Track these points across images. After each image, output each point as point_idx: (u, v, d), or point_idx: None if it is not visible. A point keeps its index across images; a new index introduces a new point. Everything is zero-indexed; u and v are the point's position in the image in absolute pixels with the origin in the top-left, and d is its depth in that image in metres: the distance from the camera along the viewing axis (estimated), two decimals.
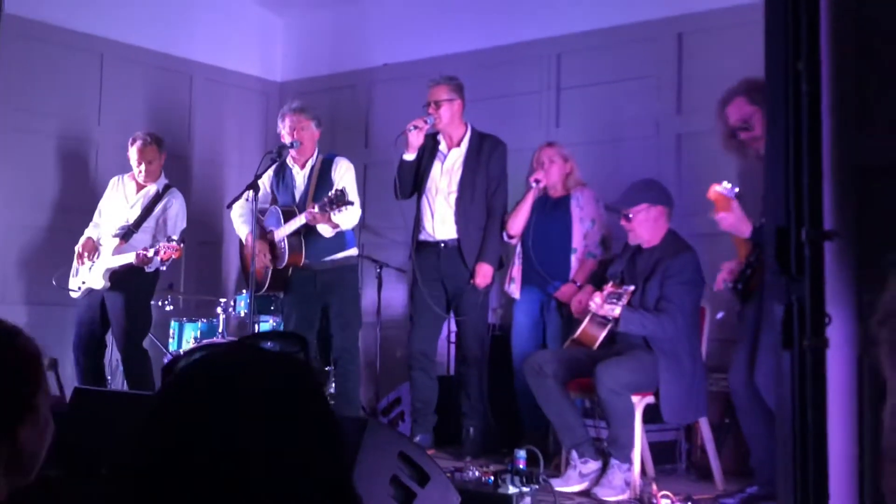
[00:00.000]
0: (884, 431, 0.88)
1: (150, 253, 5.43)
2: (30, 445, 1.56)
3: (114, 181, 6.01)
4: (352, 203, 5.17)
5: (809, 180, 2.94)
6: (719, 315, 4.78)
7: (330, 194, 5.15)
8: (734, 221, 4.20)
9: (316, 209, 5.16)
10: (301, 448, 1.10)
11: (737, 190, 4.23)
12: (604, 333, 4.59)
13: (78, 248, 5.79)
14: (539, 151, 5.48)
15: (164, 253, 5.38)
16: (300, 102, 5.68)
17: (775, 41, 3.09)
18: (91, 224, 5.93)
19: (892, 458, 0.87)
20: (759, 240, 4.23)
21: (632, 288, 4.49)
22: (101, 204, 5.98)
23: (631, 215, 4.68)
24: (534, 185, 5.32)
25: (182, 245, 5.44)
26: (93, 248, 5.77)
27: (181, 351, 6.02)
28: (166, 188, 5.90)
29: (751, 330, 4.24)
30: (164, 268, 5.64)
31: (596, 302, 4.51)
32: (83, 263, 5.76)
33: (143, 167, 5.80)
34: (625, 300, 4.44)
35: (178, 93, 7.35)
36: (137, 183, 5.89)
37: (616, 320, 4.48)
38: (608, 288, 4.60)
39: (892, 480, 0.87)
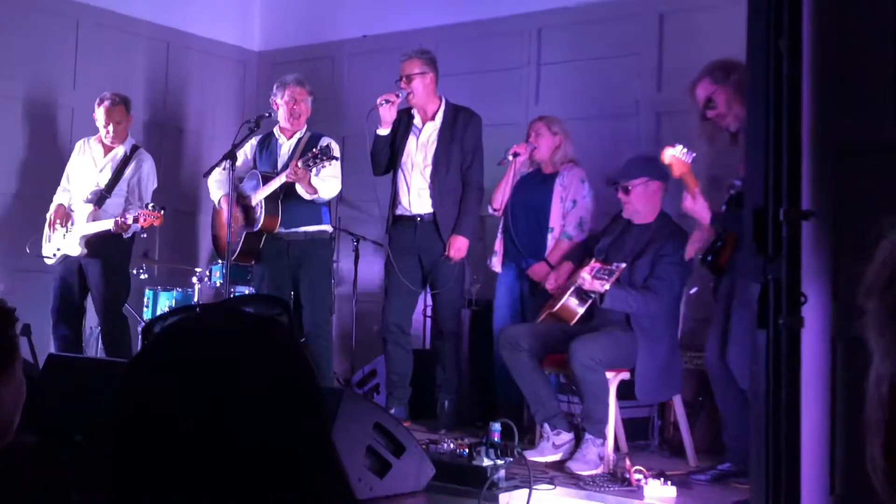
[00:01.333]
0: (867, 401, 0.88)
1: (130, 220, 5.39)
2: (5, 406, 1.56)
3: (79, 144, 5.94)
4: (336, 158, 5.16)
5: (789, 160, 2.95)
6: (693, 290, 4.81)
7: (314, 150, 5.15)
8: (695, 208, 4.23)
9: (300, 164, 5.13)
10: (283, 412, 1.09)
11: (693, 154, 4.25)
12: (583, 309, 4.61)
13: (49, 214, 5.73)
14: (529, 125, 5.48)
15: (145, 220, 5.35)
16: (299, 75, 5.65)
17: (757, 20, 3.09)
18: (60, 189, 5.86)
19: (874, 430, 0.87)
20: (718, 227, 4.26)
21: (623, 265, 4.49)
22: (68, 168, 5.91)
23: (630, 188, 4.68)
24: (511, 158, 5.31)
25: (163, 212, 5.41)
26: (64, 215, 5.71)
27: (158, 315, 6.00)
28: (134, 149, 5.84)
29: (723, 307, 4.27)
30: (145, 235, 5.61)
31: (585, 277, 4.50)
32: (55, 230, 5.71)
33: (110, 128, 5.74)
34: (615, 277, 4.43)
35: (154, 60, 7.27)
36: (104, 145, 5.82)
37: (601, 296, 4.49)
38: (595, 264, 4.58)
39: (874, 451, 0.87)
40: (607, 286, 4.42)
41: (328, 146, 5.15)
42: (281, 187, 5.31)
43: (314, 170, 5.16)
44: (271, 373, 1.09)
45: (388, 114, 5.35)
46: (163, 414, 1.06)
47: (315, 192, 5.29)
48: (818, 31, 3.13)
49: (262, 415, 1.06)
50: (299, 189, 5.28)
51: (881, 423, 0.85)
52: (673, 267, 4.53)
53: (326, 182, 5.26)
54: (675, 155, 4.26)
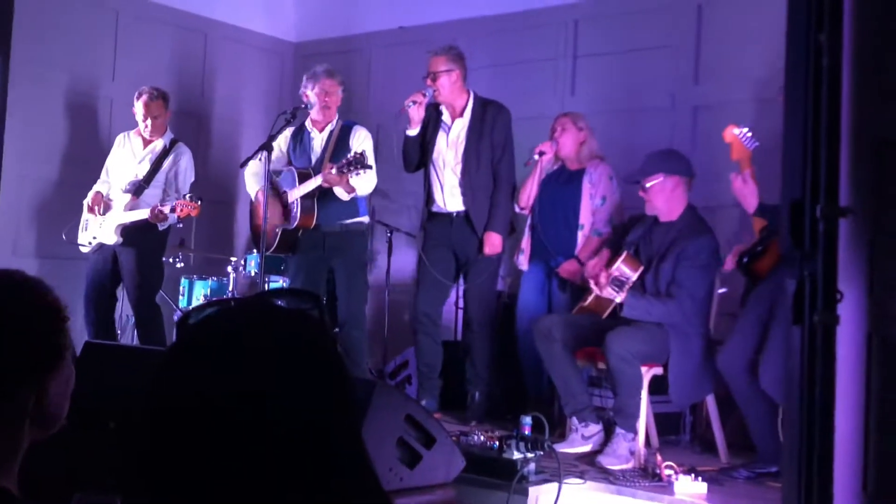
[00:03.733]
0: None
1: (167, 209, 5.45)
2: (56, 396, 1.59)
3: (120, 138, 6.02)
4: (370, 167, 5.17)
5: (827, 155, 2.92)
6: (722, 290, 4.75)
7: (349, 156, 5.15)
8: (743, 191, 4.14)
9: (333, 170, 5.15)
10: (314, 406, 1.09)
11: (756, 143, 4.15)
12: (616, 302, 4.57)
13: (87, 201, 5.80)
14: (554, 120, 5.44)
15: (182, 210, 5.41)
16: (329, 66, 5.65)
17: (797, 13, 3.05)
18: (100, 181, 5.93)
19: None
20: (763, 216, 4.19)
21: (634, 277, 4.43)
22: (108, 162, 5.98)
23: (647, 185, 4.63)
24: (537, 157, 5.28)
25: (200, 202, 5.46)
26: (101, 202, 5.77)
27: (193, 307, 6.05)
28: (173, 143, 5.90)
29: (754, 317, 4.20)
30: (181, 225, 5.65)
31: (601, 282, 4.48)
32: (95, 216, 5.77)
33: (148, 122, 5.80)
34: (626, 289, 4.39)
35: (192, 51, 7.33)
36: (144, 138, 5.88)
37: (620, 305, 4.46)
38: (613, 270, 4.53)
39: None
40: (619, 298, 4.37)
41: (363, 154, 5.13)
42: (316, 188, 5.33)
43: (350, 175, 5.16)
44: (302, 367, 1.10)
45: (416, 114, 5.36)
46: (193, 406, 1.06)
47: (353, 190, 5.31)
48: (859, 25, 3.09)
49: (292, 409, 1.07)
50: (338, 191, 5.30)
51: None
52: (694, 270, 4.45)
53: (363, 179, 5.25)
54: (736, 136, 4.17)
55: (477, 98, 5.47)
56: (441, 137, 5.45)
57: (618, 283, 4.41)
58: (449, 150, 5.41)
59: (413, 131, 5.42)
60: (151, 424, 1.09)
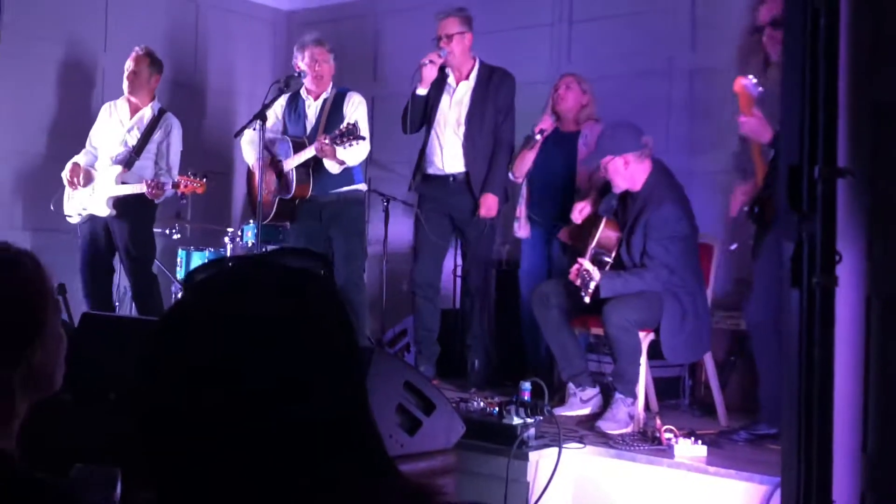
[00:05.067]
0: None
1: (169, 185, 5.43)
2: (44, 364, 1.61)
3: (105, 107, 5.95)
4: (363, 138, 5.15)
5: (825, 117, 2.90)
6: (733, 246, 4.74)
7: (342, 127, 5.13)
8: (755, 125, 4.07)
9: (327, 141, 5.13)
10: (321, 368, 1.07)
11: (760, 89, 4.12)
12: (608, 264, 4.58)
13: (65, 174, 5.73)
14: (559, 80, 5.43)
15: (186, 186, 5.40)
16: (317, 34, 5.62)
17: None
18: (82, 152, 5.88)
19: None
20: (778, 147, 4.14)
21: (597, 277, 4.40)
22: (93, 132, 5.92)
23: (602, 164, 4.62)
24: (538, 136, 5.26)
25: (205, 180, 5.44)
26: (80, 173, 5.72)
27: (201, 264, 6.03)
28: (161, 112, 5.85)
29: (771, 264, 4.16)
30: (184, 200, 5.62)
31: (571, 276, 4.47)
32: (76, 189, 5.73)
33: (131, 77, 5.74)
34: (591, 287, 4.37)
35: (185, 21, 7.28)
36: (130, 104, 5.83)
37: (597, 287, 4.44)
38: (602, 225, 4.54)
39: None
40: (593, 284, 4.35)
41: (355, 125, 5.11)
42: (311, 157, 5.32)
43: (341, 147, 5.15)
44: (316, 327, 1.07)
45: (429, 73, 5.35)
46: (192, 370, 1.03)
47: (342, 163, 5.29)
48: None
49: (297, 372, 1.04)
50: (328, 164, 5.28)
51: None
52: (662, 243, 4.43)
53: (353, 150, 5.23)
54: (744, 85, 4.15)
55: (483, 63, 5.47)
56: (444, 99, 5.45)
57: (584, 280, 4.39)
58: (451, 112, 5.41)
59: (422, 90, 5.41)
60: (148, 390, 1.07)
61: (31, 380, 1.61)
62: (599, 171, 5.11)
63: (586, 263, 4.42)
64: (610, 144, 4.61)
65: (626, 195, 4.67)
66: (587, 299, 4.37)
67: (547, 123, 5.28)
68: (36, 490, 1.49)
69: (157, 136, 5.78)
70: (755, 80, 4.12)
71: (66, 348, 1.68)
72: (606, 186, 4.80)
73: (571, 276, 4.45)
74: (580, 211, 4.85)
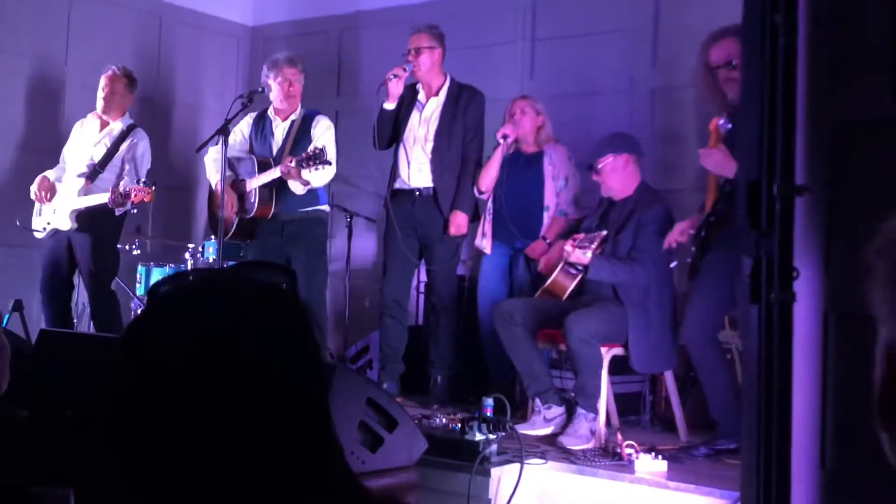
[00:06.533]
0: (875, 373, 0.88)
1: (124, 190, 5.37)
2: None
3: (77, 125, 5.93)
4: (329, 163, 5.13)
5: (783, 134, 2.94)
6: (672, 265, 4.79)
7: (309, 150, 5.11)
8: (720, 159, 4.13)
9: (293, 163, 5.11)
10: (284, 381, 1.07)
11: (729, 126, 4.19)
12: (574, 283, 4.63)
13: (33, 188, 5.68)
14: (511, 104, 5.45)
15: (136, 195, 5.34)
16: (290, 53, 5.61)
17: None
18: (56, 167, 5.83)
19: (875, 388, 0.87)
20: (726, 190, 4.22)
21: (604, 232, 4.50)
22: (65, 150, 5.88)
23: (599, 166, 4.68)
24: (501, 140, 5.29)
25: (153, 188, 5.39)
26: (49, 188, 5.67)
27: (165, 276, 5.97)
28: (131, 127, 5.81)
29: (710, 284, 4.23)
30: (135, 211, 5.58)
31: (567, 249, 4.53)
32: (43, 203, 5.68)
33: (106, 97, 5.70)
34: (596, 244, 4.44)
35: (148, 35, 7.24)
36: (101, 120, 5.79)
37: (586, 268, 4.49)
38: (578, 235, 4.61)
39: (873, 407, 0.88)
40: (589, 253, 4.43)
41: (322, 150, 5.09)
42: (276, 178, 5.30)
43: (307, 170, 5.13)
44: (276, 340, 1.07)
45: (395, 87, 5.34)
46: (158, 377, 1.03)
47: (308, 183, 5.26)
48: (814, 5, 3.11)
49: (260, 382, 1.04)
50: (292, 185, 5.26)
51: (878, 383, 0.85)
52: (654, 236, 4.51)
53: (320, 173, 5.21)
54: (719, 124, 4.21)
55: (454, 81, 5.49)
56: (414, 115, 5.46)
57: (590, 240, 4.48)
58: (421, 128, 5.42)
59: (390, 105, 5.41)
60: (115, 403, 1.06)
61: None
62: (568, 187, 5.17)
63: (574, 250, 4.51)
64: (610, 145, 4.70)
65: (609, 210, 4.71)
66: (589, 254, 4.43)
67: (509, 129, 5.30)
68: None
69: (123, 149, 5.73)
70: (723, 120, 4.20)
71: (9, 355, 1.67)
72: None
73: (568, 250, 4.52)
74: (548, 259, 4.91)
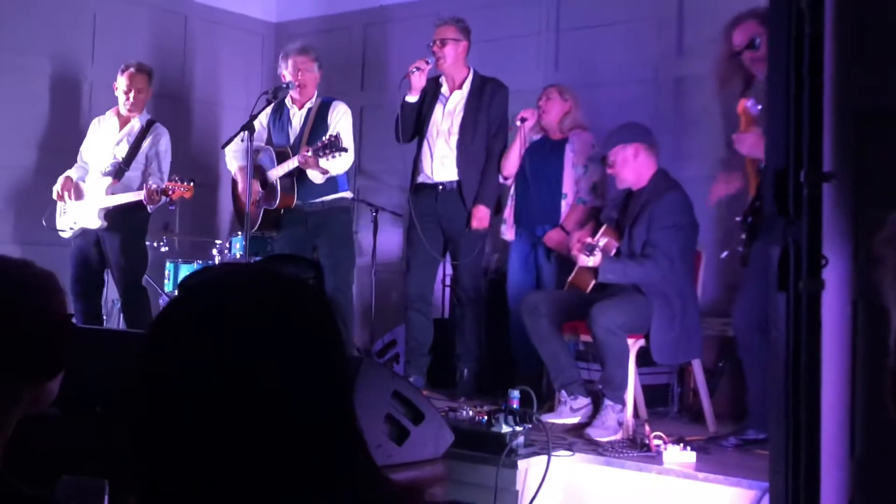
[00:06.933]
0: (889, 363, 0.87)
1: (160, 188, 5.41)
2: (54, 388, 1.64)
3: (94, 123, 5.96)
4: (345, 150, 5.14)
5: (810, 122, 2.92)
6: (724, 254, 4.75)
7: (324, 139, 5.12)
8: (754, 142, 4.09)
9: (309, 153, 5.13)
10: (308, 379, 1.06)
11: (759, 107, 4.14)
12: (594, 278, 4.59)
13: (57, 188, 5.72)
14: (543, 91, 5.45)
15: (174, 192, 5.38)
16: (302, 43, 5.62)
17: None
18: (75, 166, 5.87)
19: (888, 378, 0.87)
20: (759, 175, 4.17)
21: (604, 241, 4.44)
22: (83, 147, 5.91)
23: (611, 159, 4.65)
24: (518, 123, 5.28)
25: (192, 184, 5.43)
26: (72, 188, 5.71)
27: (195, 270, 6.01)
28: (150, 123, 5.83)
29: (759, 270, 4.17)
30: (173, 207, 5.61)
31: (574, 252, 4.50)
32: (67, 202, 5.72)
33: (131, 95, 5.71)
34: (597, 253, 4.39)
35: (173, 33, 7.27)
36: (120, 117, 5.81)
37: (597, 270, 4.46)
38: (584, 238, 4.54)
39: (889, 399, 0.87)
40: (591, 260, 4.38)
41: (338, 136, 5.10)
42: (294, 168, 5.32)
43: (324, 158, 5.14)
44: (297, 337, 1.07)
45: (418, 80, 5.34)
46: (180, 377, 1.03)
47: (326, 172, 5.28)
48: None
49: (284, 381, 1.04)
50: (311, 174, 5.28)
51: (892, 371, 0.84)
52: (665, 231, 4.46)
53: (336, 160, 5.22)
54: (746, 106, 4.17)
55: (477, 74, 5.48)
56: (438, 108, 5.45)
57: (589, 248, 4.43)
58: (444, 121, 5.41)
59: (412, 98, 5.41)
60: (138, 398, 1.07)
61: (39, 400, 1.63)
62: (588, 174, 5.15)
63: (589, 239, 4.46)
64: (621, 135, 4.66)
65: (628, 198, 4.68)
66: (588, 261, 4.37)
67: (529, 113, 5.28)
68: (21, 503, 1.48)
69: (145, 146, 5.77)
70: (756, 102, 4.15)
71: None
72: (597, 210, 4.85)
73: (576, 251, 4.47)
74: (578, 241, 4.85)
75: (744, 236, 4.23)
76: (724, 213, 5.18)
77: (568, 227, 5.19)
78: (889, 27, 3.17)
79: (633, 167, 4.63)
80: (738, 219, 4.26)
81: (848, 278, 3.02)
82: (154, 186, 5.42)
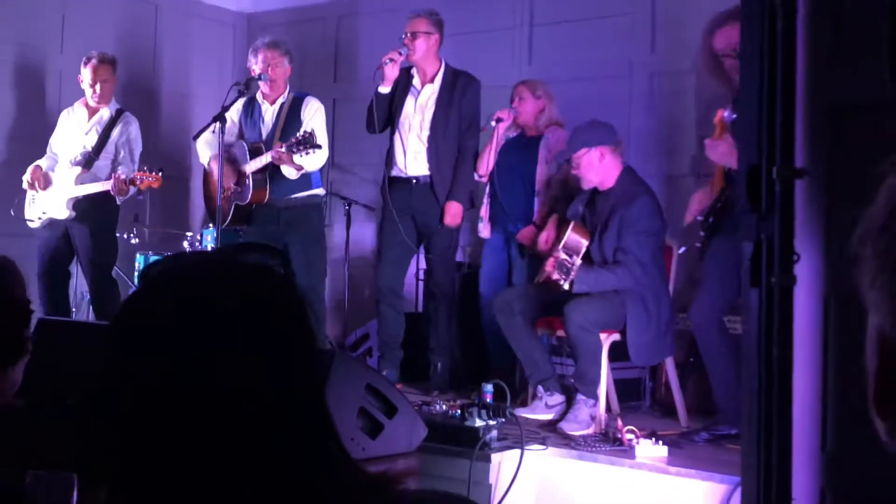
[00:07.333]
0: (867, 362, 0.87)
1: (127, 178, 5.36)
2: (17, 378, 1.62)
3: (63, 114, 5.90)
4: (319, 147, 5.11)
5: (782, 118, 2.93)
6: (681, 250, 4.77)
7: (298, 135, 5.09)
8: (725, 150, 4.11)
9: (283, 148, 5.10)
10: (277, 368, 1.05)
11: (734, 116, 4.15)
12: (566, 284, 4.57)
13: (26, 177, 5.66)
14: (513, 89, 5.43)
15: (142, 182, 5.34)
16: (272, 37, 5.57)
17: None
18: (44, 157, 5.81)
19: (869, 378, 0.86)
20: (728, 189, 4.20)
21: (578, 262, 4.42)
22: (53, 139, 5.85)
23: (575, 161, 4.62)
24: (493, 123, 5.27)
25: (161, 174, 5.38)
26: (41, 177, 5.65)
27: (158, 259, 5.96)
28: (119, 112, 5.78)
29: (718, 269, 4.23)
30: (141, 197, 5.56)
31: (547, 270, 4.47)
32: (37, 191, 5.66)
33: (97, 87, 5.67)
34: (573, 274, 4.38)
35: (144, 23, 7.21)
36: (89, 108, 5.77)
37: (571, 282, 4.44)
38: (557, 254, 4.49)
39: (869, 400, 0.87)
40: (567, 285, 4.36)
41: (312, 133, 5.07)
42: (268, 163, 5.29)
43: (298, 155, 5.11)
44: (267, 323, 1.05)
45: (391, 71, 5.32)
46: (145, 370, 1.01)
47: (301, 168, 5.25)
48: None
49: (252, 371, 1.02)
50: (285, 170, 5.25)
51: (872, 372, 0.84)
52: (637, 237, 4.45)
53: (311, 157, 5.19)
54: (724, 116, 4.17)
55: (448, 67, 5.45)
56: (409, 101, 5.42)
57: (565, 270, 4.38)
58: (416, 115, 5.39)
59: (385, 89, 5.38)
60: (104, 391, 1.05)
61: (4, 382, 1.62)
62: (560, 172, 5.14)
63: (562, 254, 4.41)
64: (585, 137, 4.60)
65: (595, 197, 4.68)
66: (566, 286, 4.36)
67: (505, 114, 5.28)
68: None
69: (115, 135, 5.72)
70: (730, 111, 4.16)
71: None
72: (567, 196, 4.81)
73: (548, 270, 4.43)
74: (545, 241, 4.84)
75: (702, 233, 4.26)
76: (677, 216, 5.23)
77: (540, 223, 5.19)
78: (862, 22, 3.19)
79: (598, 170, 4.60)
80: (699, 218, 4.29)
81: (820, 274, 3.05)
82: (123, 176, 5.38)
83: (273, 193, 5.37)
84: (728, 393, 4.13)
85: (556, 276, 4.37)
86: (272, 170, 5.32)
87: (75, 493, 1.78)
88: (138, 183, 5.35)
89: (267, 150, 5.28)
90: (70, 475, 1.79)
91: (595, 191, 4.71)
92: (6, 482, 1.51)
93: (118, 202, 5.59)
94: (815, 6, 3.11)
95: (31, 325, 1.66)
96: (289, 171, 5.26)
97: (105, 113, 5.75)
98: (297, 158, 5.12)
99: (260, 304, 1.06)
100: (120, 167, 5.57)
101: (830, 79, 3.17)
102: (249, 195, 5.36)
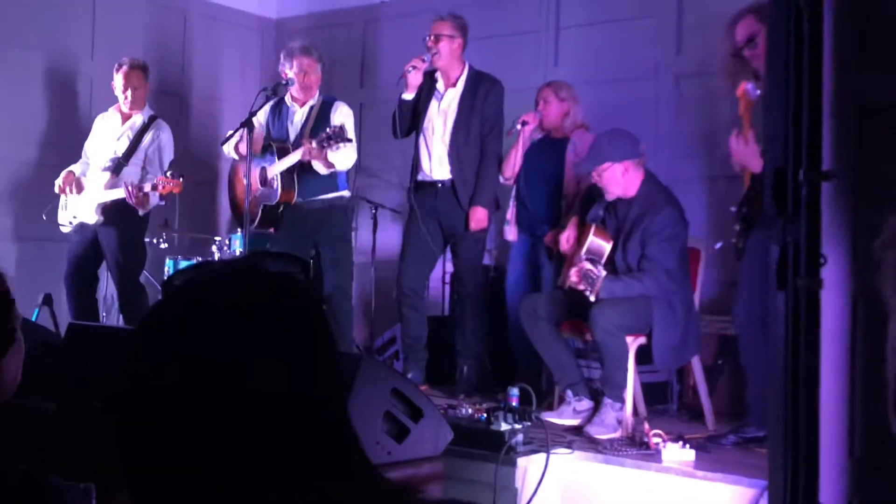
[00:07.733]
0: (887, 368, 0.86)
1: (148, 188, 5.40)
2: (10, 371, 1.64)
3: (98, 119, 5.95)
4: (350, 140, 5.15)
5: (809, 120, 2.91)
6: (717, 245, 4.72)
7: (328, 130, 5.14)
8: (746, 153, 4.08)
9: (313, 144, 5.13)
10: (299, 377, 1.06)
11: (758, 92, 4.11)
12: (592, 294, 4.54)
13: (58, 181, 5.72)
14: (538, 91, 5.42)
15: (164, 187, 5.37)
16: (306, 42, 5.61)
17: None
18: (79, 162, 5.87)
19: (889, 383, 0.86)
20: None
21: (603, 274, 4.38)
22: (87, 144, 5.91)
23: (596, 174, 4.59)
24: (519, 127, 5.26)
25: (182, 179, 5.41)
26: (73, 182, 5.70)
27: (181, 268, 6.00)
28: (152, 119, 5.82)
29: (756, 263, 4.15)
30: (164, 202, 5.59)
31: (572, 280, 4.43)
32: (68, 196, 5.72)
33: (129, 93, 5.71)
34: (598, 284, 4.34)
35: (172, 29, 7.27)
36: (122, 114, 5.81)
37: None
38: (582, 264, 4.45)
39: (888, 405, 0.86)
40: (593, 297, 4.33)
41: (342, 128, 5.11)
42: (296, 163, 5.32)
43: (329, 150, 5.15)
44: (287, 335, 1.06)
45: (414, 78, 5.33)
46: (168, 378, 1.02)
47: (332, 166, 5.30)
48: None
49: (274, 380, 1.03)
50: (316, 165, 5.29)
51: (893, 378, 0.84)
52: (662, 245, 4.42)
53: (342, 154, 5.24)
54: (747, 90, 4.15)
55: (472, 70, 5.45)
56: (433, 105, 5.43)
57: (591, 281, 4.34)
58: (439, 118, 5.40)
59: (409, 95, 5.40)
60: (125, 401, 1.06)
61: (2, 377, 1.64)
62: (588, 178, 5.12)
63: (587, 264, 4.38)
64: (608, 151, 4.56)
65: (616, 202, 4.65)
66: (593, 298, 4.34)
67: (530, 117, 5.27)
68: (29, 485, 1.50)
69: (146, 141, 5.76)
70: (757, 86, 4.12)
71: (23, 349, 1.72)
72: (589, 197, 4.79)
73: (574, 280, 4.41)
74: (567, 240, 4.83)
75: (738, 227, 4.22)
76: (717, 203, 5.18)
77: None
78: (889, 23, 3.16)
79: (622, 183, 4.56)
80: (732, 209, 4.25)
81: (847, 277, 3.02)
82: (134, 185, 5.40)
83: (300, 195, 5.41)
84: (761, 394, 4.08)
85: (581, 286, 4.34)
86: (300, 170, 5.36)
87: (94, 502, 1.80)
88: (159, 188, 5.38)
89: (295, 150, 5.30)
90: (88, 485, 1.81)
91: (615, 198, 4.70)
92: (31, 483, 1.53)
93: (140, 214, 5.61)
94: (841, 7, 3.09)
95: (13, 314, 1.68)
96: (319, 167, 5.30)
97: (138, 119, 5.80)
98: (329, 155, 5.15)
99: (281, 312, 1.07)
100: (148, 174, 5.61)
101: (857, 80, 3.14)
102: (278, 196, 5.39)
